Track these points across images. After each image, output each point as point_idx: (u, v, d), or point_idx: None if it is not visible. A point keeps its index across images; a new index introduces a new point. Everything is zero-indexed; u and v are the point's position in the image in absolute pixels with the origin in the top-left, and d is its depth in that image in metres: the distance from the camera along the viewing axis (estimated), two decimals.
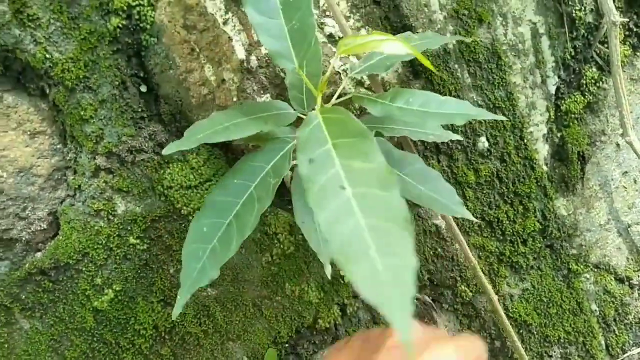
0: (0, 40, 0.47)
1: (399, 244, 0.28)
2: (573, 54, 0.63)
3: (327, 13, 0.53)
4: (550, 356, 0.77)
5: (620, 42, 0.65)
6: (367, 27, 0.55)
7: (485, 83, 0.60)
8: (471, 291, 0.69)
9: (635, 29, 0.65)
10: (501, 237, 0.68)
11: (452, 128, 0.58)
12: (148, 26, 0.50)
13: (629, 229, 0.76)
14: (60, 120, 0.52)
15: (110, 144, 0.52)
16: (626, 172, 0.72)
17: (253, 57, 0.52)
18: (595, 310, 0.78)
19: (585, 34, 0.62)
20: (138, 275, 0.58)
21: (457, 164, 0.63)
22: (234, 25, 0.50)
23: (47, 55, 0.48)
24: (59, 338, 0.58)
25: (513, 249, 0.69)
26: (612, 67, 0.60)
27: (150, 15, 0.49)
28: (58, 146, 0.54)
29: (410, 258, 0.28)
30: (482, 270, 0.69)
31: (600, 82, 0.65)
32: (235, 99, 0.53)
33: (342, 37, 0.54)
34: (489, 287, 0.67)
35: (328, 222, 0.30)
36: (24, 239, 0.54)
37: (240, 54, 0.51)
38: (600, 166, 0.70)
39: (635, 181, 0.74)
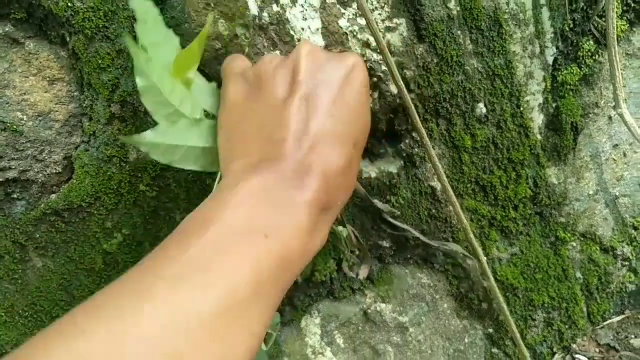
0: None
1: None
2: (572, 26, 0.65)
3: None
4: (534, 319, 0.81)
5: (618, 16, 0.67)
6: None
7: (486, 50, 0.63)
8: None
9: (633, 5, 0.67)
10: (493, 202, 0.71)
11: None
12: None
13: (616, 200, 0.79)
14: (79, 68, 0.54)
15: (125, 92, 0.55)
16: (617, 144, 0.75)
17: (265, 14, 0.54)
18: (580, 278, 0.82)
19: (585, 7, 0.64)
20: (146, 221, 0.61)
21: (455, 128, 0.65)
22: None
23: (69, 4, 0.50)
24: (69, 277, 0.61)
25: (504, 213, 0.72)
26: (608, 40, 0.62)
27: None
28: (75, 93, 0.56)
29: None
30: (473, 233, 0.72)
31: (597, 55, 0.68)
32: (246, 54, 0.55)
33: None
34: (479, 249, 0.70)
35: None
36: (39, 180, 0.57)
37: (254, 9, 0.53)
38: (592, 138, 0.73)
39: (624, 154, 0.76)
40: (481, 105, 0.65)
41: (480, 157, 0.68)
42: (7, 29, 0.52)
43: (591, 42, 0.67)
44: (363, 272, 0.71)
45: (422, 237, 0.69)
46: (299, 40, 0.56)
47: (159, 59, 0.47)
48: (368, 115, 0.49)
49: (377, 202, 0.66)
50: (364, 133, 0.48)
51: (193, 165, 0.50)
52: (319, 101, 0.45)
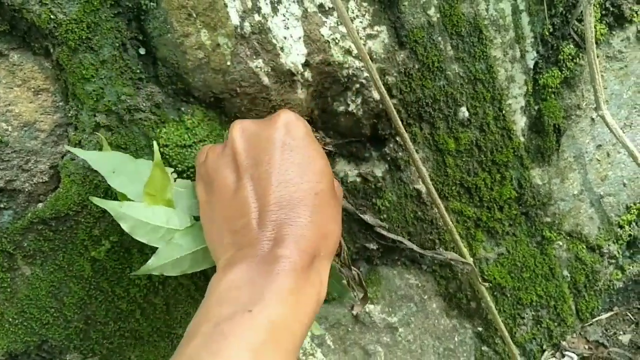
0: (8, 0, 0.50)
1: None
2: (551, 30, 0.66)
3: None
4: (523, 318, 0.82)
5: (597, 20, 0.68)
6: None
7: (467, 55, 0.63)
8: None
9: (611, 9, 0.68)
10: (479, 203, 0.72)
11: None
12: None
13: (601, 200, 0.80)
14: (63, 78, 0.55)
15: (110, 102, 0.56)
16: (600, 145, 0.76)
17: (247, 24, 0.55)
18: (567, 276, 0.83)
19: (564, 12, 0.65)
20: None
21: (439, 132, 0.66)
22: None
23: (52, 16, 0.51)
24: (58, 284, 0.61)
25: (490, 214, 0.73)
26: (587, 43, 0.63)
27: None
28: (60, 103, 0.57)
29: None
30: (459, 234, 0.73)
31: (577, 59, 0.68)
32: (229, 63, 0.56)
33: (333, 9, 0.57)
34: (465, 250, 0.71)
35: None
36: (26, 190, 0.58)
37: (235, 19, 0.54)
38: (575, 139, 0.74)
39: (608, 154, 0.77)
40: (464, 109, 0.66)
41: (464, 159, 0.69)
42: None
43: (571, 46, 0.67)
44: (357, 309, 0.73)
45: (416, 248, 0.69)
46: (281, 49, 0.57)
47: (135, 193, 0.53)
48: (320, 154, 0.50)
49: (368, 218, 0.67)
50: (323, 173, 0.49)
51: (205, 264, 0.55)
52: (265, 174, 0.46)
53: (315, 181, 0.47)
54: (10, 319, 0.62)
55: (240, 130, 0.50)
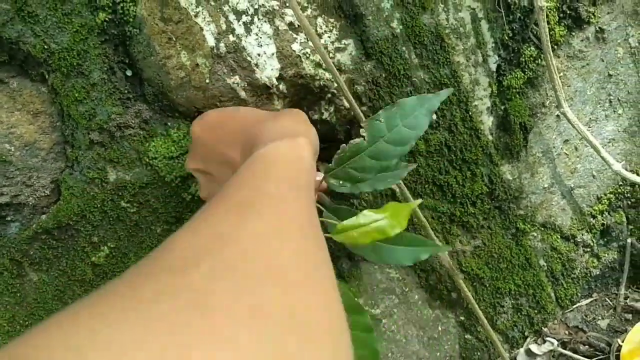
0: (5, 34, 0.55)
1: None
2: (511, 35, 0.70)
3: (287, 4, 0.61)
4: (502, 306, 0.87)
5: (556, 23, 0.72)
6: (322, 15, 0.63)
7: (431, 63, 0.68)
8: None
9: (568, 11, 0.72)
10: (452, 200, 0.77)
11: None
12: (131, 19, 0.58)
13: (572, 191, 0.84)
14: (58, 101, 0.61)
15: (102, 121, 0.61)
16: (567, 140, 0.80)
17: (222, 44, 0.60)
18: (544, 265, 0.87)
19: (522, 17, 0.70)
20: (129, 235, 0.67)
21: None
22: (204, 17, 0.58)
23: (45, 47, 0.57)
24: (62, 288, 0.67)
25: (463, 209, 0.78)
26: (543, 46, 0.68)
27: (133, 10, 0.58)
28: (57, 124, 0.62)
29: None
30: (435, 230, 0.78)
31: (539, 60, 0.73)
32: (207, 81, 0.61)
33: (299, 27, 0.62)
34: (440, 244, 0.76)
35: None
36: (30, 203, 0.63)
37: (211, 41, 0.59)
38: (542, 135, 0.79)
39: (576, 148, 0.82)
40: None
41: (435, 159, 0.73)
42: None
43: (532, 48, 0.72)
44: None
45: None
46: (256, 65, 0.62)
47: None
48: None
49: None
50: None
51: None
52: None
53: None
54: (21, 321, 0.68)
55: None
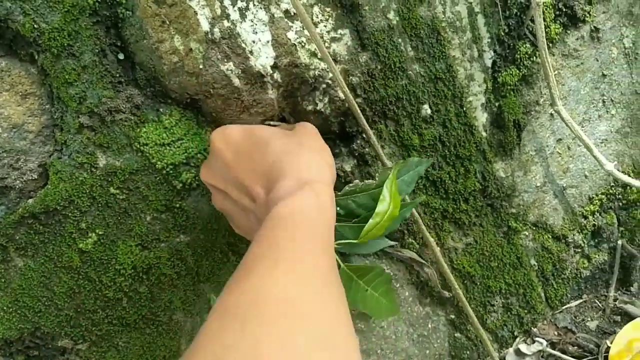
0: None
1: None
2: (507, 30, 0.70)
3: None
4: (493, 305, 0.86)
5: (551, 20, 0.72)
6: (319, 4, 0.63)
7: (426, 56, 0.68)
8: (418, 243, 0.78)
9: (564, 9, 0.72)
10: (444, 196, 0.76)
11: None
12: (123, 1, 0.57)
13: (564, 191, 0.84)
14: (48, 83, 0.60)
15: (92, 104, 0.60)
16: (560, 139, 0.80)
17: (216, 30, 0.59)
18: (534, 264, 0.87)
19: (518, 13, 0.70)
20: (118, 222, 0.66)
21: (403, 129, 0.71)
22: (199, 1, 0.58)
23: (35, 26, 0.56)
24: (48, 275, 0.66)
25: (456, 206, 0.78)
26: (539, 43, 0.67)
27: None
28: (46, 106, 0.61)
29: None
30: (427, 225, 0.77)
31: (534, 57, 0.73)
32: (201, 67, 0.60)
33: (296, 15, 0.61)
34: (432, 240, 0.75)
35: None
36: (17, 187, 0.62)
37: (205, 26, 0.59)
38: (536, 134, 0.78)
39: (569, 148, 0.82)
40: (426, 106, 0.70)
41: (428, 154, 0.73)
42: None
43: (527, 45, 0.72)
44: None
45: None
46: (250, 52, 0.61)
47: None
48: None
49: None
50: None
51: None
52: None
53: None
54: (5, 308, 0.66)
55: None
